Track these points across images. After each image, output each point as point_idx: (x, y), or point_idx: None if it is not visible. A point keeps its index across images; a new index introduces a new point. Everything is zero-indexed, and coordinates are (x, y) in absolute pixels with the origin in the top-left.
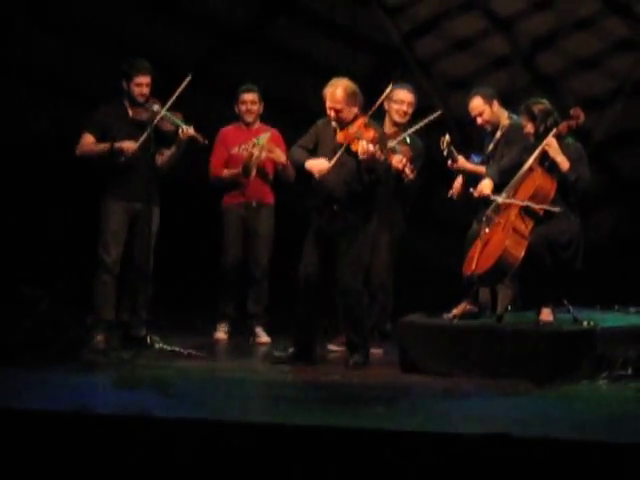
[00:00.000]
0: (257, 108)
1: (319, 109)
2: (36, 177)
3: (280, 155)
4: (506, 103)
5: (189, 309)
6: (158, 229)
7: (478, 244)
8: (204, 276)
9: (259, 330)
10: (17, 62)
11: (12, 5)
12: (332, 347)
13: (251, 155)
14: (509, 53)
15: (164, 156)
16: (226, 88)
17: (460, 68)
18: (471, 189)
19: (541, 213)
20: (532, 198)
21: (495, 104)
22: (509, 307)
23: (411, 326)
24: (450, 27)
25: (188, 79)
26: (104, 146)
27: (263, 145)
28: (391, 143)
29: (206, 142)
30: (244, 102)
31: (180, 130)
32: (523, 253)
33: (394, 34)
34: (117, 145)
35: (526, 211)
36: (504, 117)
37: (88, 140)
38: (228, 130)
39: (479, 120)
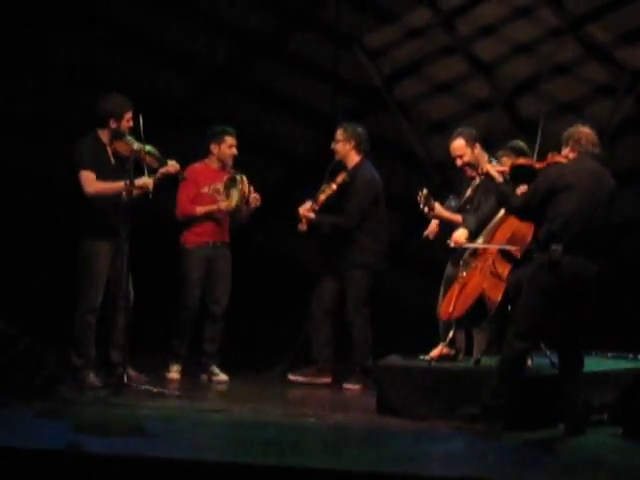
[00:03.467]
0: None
1: (297, 150)
2: (11, 214)
3: (259, 199)
4: (486, 146)
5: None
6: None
7: (455, 287)
8: (153, 314)
9: (215, 369)
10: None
11: None
12: (294, 378)
13: (244, 193)
14: (490, 96)
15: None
16: (204, 126)
17: (441, 111)
18: (448, 241)
19: (518, 256)
20: (509, 241)
21: (477, 147)
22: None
23: (388, 368)
24: (431, 70)
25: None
26: (119, 185)
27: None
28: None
29: (184, 176)
30: (231, 145)
31: (166, 165)
32: (501, 296)
33: (375, 76)
34: (137, 182)
35: (503, 254)
36: (484, 161)
37: (91, 177)
38: (198, 168)
39: (459, 161)
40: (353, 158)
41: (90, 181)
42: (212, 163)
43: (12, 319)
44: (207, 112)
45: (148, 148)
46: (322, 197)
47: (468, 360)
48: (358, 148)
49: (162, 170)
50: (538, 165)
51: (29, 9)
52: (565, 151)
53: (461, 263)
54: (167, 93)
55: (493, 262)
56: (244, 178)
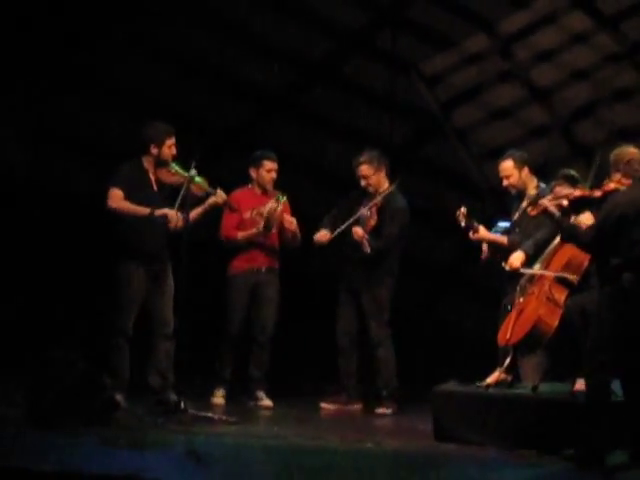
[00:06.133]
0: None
1: (353, 176)
2: (63, 235)
3: (293, 221)
4: (544, 172)
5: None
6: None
7: (512, 313)
8: (200, 339)
9: (261, 394)
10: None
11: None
12: (326, 406)
13: (274, 209)
14: (547, 122)
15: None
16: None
17: (498, 137)
18: (503, 263)
19: (575, 283)
20: (566, 268)
21: (525, 170)
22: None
23: (445, 394)
24: (488, 96)
25: (205, 146)
26: (143, 210)
27: (283, 203)
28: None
29: (235, 208)
30: (270, 170)
31: (213, 196)
32: (557, 322)
33: (432, 103)
34: (158, 212)
35: (560, 280)
36: (532, 185)
37: (119, 195)
38: (241, 194)
39: (505, 182)
40: (384, 184)
41: (115, 197)
42: (255, 188)
43: (70, 343)
44: (264, 139)
45: (196, 178)
46: (370, 222)
47: (524, 387)
48: (387, 174)
49: (210, 201)
50: (596, 194)
51: (83, 33)
52: (617, 176)
53: (518, 289)
54: (222, 120)
55: (550, 288)
56: (282, 199)
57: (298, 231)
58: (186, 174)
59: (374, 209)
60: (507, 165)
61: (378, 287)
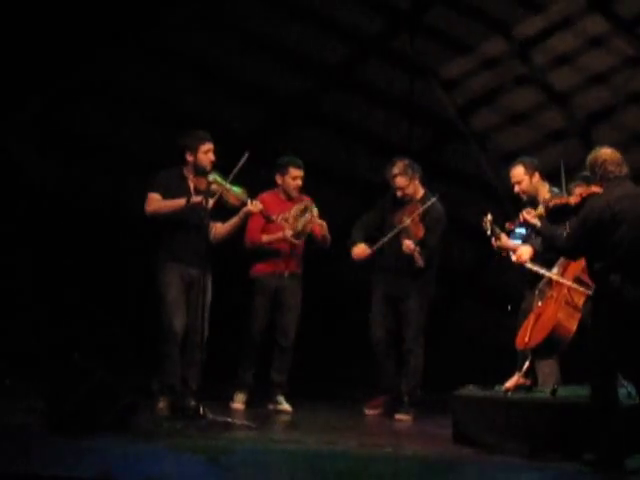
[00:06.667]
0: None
1: (373, 181)
2: (89, 242)
3: (324, 225)
4: (562, 176)
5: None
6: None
7: (531, 317)
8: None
9: (281, 398)
10: (77, 131)
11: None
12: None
13: (309, 221)
14: (565, 126)
15: (222, 227)
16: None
17: (515, 141)
18: (510, 253)
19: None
20: (583, 271)
21: (536, 176)
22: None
23: (465, 398)
24: (506, 100)
25: (246, 155)
26: (178, 202)
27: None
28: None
29: (272, 218)
30: (295, 177)
31: (248, 205)
32: (576, 326)
33: (450, 106)
34: (194, 199)
35: (579, 284)
36: (544, 190)
37: (156, 198)
38: (268, 198)
39: (516, 188)
40: (420, 191)
41: (151, 201)
42: (279, 193)
43: (90, 351)
44: (282, 144)
45: (232, 187)
46: (419, 234)
47: (544, 390)
48: (421, 180)
49: (244, 209)
50: (573, 201)
51: (111, 42)
52: (595, 180)
53: (537, 292)
54: (241, 125)
55: (569, 291)
56: (314, 209)
57: (328, 234)
58: (224, 183)
59: (417, 218)
60: (518, 171)
61: (418, 296)
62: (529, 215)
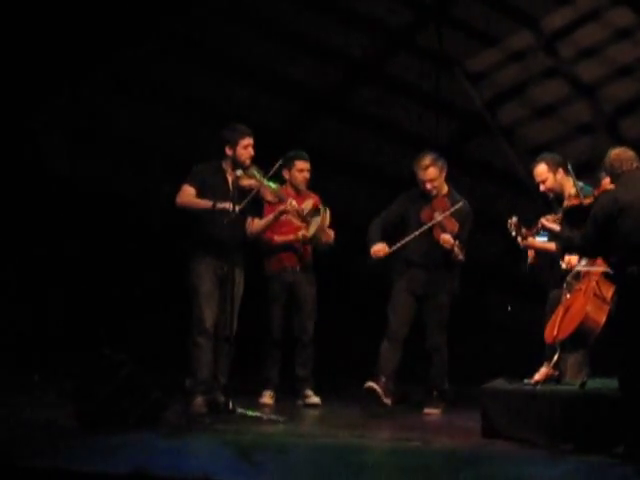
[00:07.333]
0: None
1: (400, 174)
2: (121, 237)
3: (331, 235)
4: (589, 168)
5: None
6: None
7: (560, 310)
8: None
9: (309, 392)
10: (110, 132)
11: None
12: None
13: (322, 225)
14: (592, 119)
15: (259, 223)
16: (309, 153)
17: (543, 134)
18: (560, 261)
19: None
20: None
21: (560, 172)
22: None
23: (493, 391)
24: (533, 93)
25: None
26: (206, 203)
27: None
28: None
29: (308, 220)
30: (302, 169)
31: (285, 203)
32: (605, 318)
33: (477, 100)
34: (219, 205)
35: (607, 276)
36: (569, 185)
37: (189, 191)
38: None
39: (542, 187)
40: (444, 186)
41: (183, 193)
42: (288, 188)
43: (118, 345)
44: (310, 138)
45: (269, 183)
46: (454, 228)
47: (573, 383)
48: (446, 176)
49: (280, 208)
50: (587, 201)
51: (142, 35)
52: (606, 180)
53: (565, 285)
54: (269, 120)
55: (597, 283)
56: (327, 213)
57: (333, 241)
58: (261, 179)
59: (447, 214)
60: (541, 169)
61: (444, 293)
62: (547, 222)
